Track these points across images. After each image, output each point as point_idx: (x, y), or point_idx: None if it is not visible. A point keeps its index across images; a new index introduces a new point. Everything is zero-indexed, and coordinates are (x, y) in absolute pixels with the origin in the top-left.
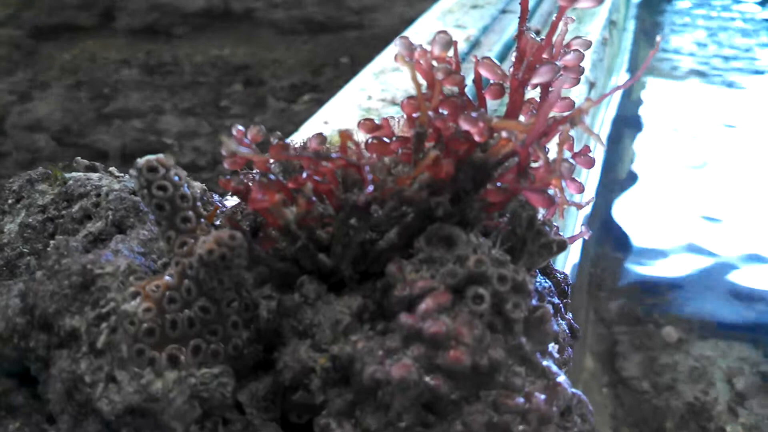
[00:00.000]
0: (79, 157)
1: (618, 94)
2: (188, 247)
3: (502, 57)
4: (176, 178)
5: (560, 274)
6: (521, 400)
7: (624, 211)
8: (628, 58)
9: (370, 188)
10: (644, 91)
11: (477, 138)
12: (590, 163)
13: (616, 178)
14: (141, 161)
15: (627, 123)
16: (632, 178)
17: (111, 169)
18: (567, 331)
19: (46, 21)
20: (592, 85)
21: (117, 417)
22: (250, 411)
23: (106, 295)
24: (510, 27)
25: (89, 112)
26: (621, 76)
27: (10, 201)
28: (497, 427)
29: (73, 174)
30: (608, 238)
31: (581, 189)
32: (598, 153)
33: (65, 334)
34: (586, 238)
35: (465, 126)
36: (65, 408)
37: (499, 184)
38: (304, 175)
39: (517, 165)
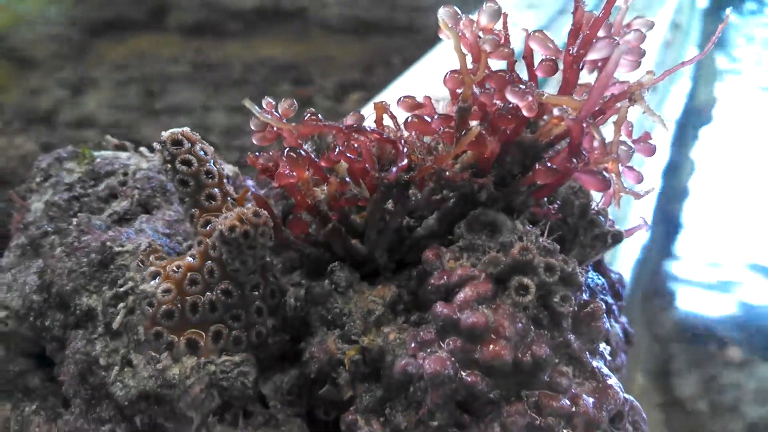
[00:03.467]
0: (108, 136)
1: (682, 98)
2: (213, 226)
3: None
4: (202, 153)
5: (615, 274)
6: (567, 402)
7: (687, 220)
8: (693, 68)
9: (404, 162)
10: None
11: (526, 113)
12: (651, 151)
13: (679, 185)
14: (165, 134)
15: (691, 127)
16: (696, 185)
17: (141, 149)
18: (621, 335)
19: (97, 17)
20: (653, 89)
21: (131, 403)
22: (273, 404)
23: (125, 274)
24: (567, 29)
25: (138, 108)
26: (684, 81)
27: (38, 179)
28: (539, 430)
29: (102, 152)
30: (668, 248)
31: (640, 178)
32: (660, 159)
33: (81, 314)
34: (645, 231)
35: (512, 99)
36: (78, 391)
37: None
38: (337, 151)
39: (570, 143)
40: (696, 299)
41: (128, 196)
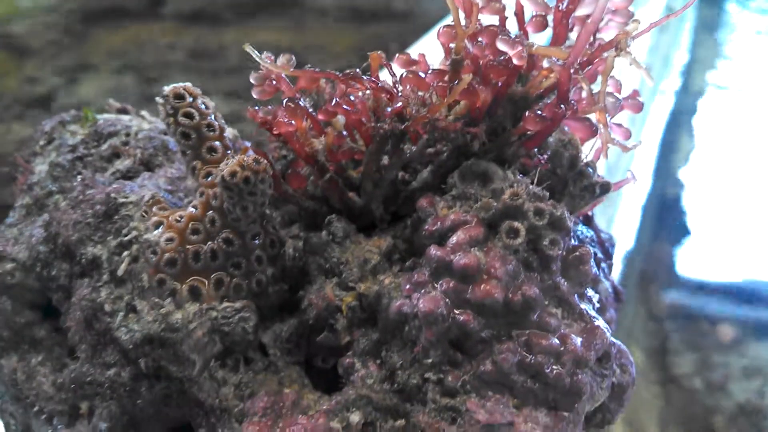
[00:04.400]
0: (111, 100)
1: (674, 87)
2: (213, 177)
3: None
4: (203, 106)
5: (605, 234)
6: (556, 341)
7: (679, 204)
8: (688, 51)
9: (399, 104)
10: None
11: (516, 61)
12: (638, 107)
13: (672, 169)
14: (167, 88)
15: (685, 113)
16: (689, 170)
17: (143, 112)
18: (610, 291)
19: (95, 5)
20: (647, 69)
21: (135, 346)
22: (273, 352)
23: (129, 223)
24: None
25: (134, 94)
26: (677, 68)
27: (42, 142)
28: (529, 367)
29: (104, 115)
30: (662, 231)
31: (628, 135)
32: (652, 146)
33: (87, 263)
34: (633, 184)
35: (503, 47)
36: (84, 337)
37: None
38: (334, 103)
39: (558, 89)
40: (692, 277)
41: (131, 155)
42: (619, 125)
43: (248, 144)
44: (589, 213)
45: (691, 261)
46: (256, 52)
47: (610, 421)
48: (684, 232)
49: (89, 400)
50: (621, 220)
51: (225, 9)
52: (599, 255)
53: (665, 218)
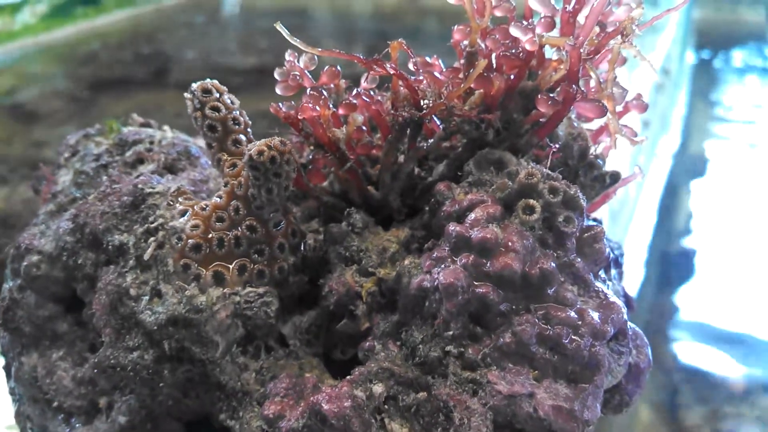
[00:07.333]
0: (134, 114)
1: (673, 149)
2: (238, 168)
3: None
4: (229, 101)
5: (614, 243)
6: (574, 314)
7: (682, 256)
8: (684, 116)
9: (417, 94)
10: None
11: (528, 47)
12: (643, 108)
13: (674, 226)
14: (195, 85)
15: (684, 173)
16: (690, 224)
17: (165, 127)
18: (622, 296)
19: (102, 76)
20: (645, 125)
21: (159, 327)
22: (293, 343)
23: (155, 212)
24: None
25: None
26: (674, 129)
27: (66, 155)
28: (548, 339)
29: (129, 127)
30: (667, 284)
31: (634, 133)
32: (653, 201)
33: (113, 250)
34: (640, 180)
35: (516, 33)
36: (108, 321)
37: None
38: (354, 93)
39: (568, 71)
40: (697, 333)
41: (155, 160)
42: (626, 126)
43: None
44: (598, 218)
45: (696, 312)
46: (286, 31)
47: (628, 403)
48: (688, 283)
49: (108, 396)
50: (626, 274)
51: (230, 77)
52: (612, 255)
53: (668, 271)
